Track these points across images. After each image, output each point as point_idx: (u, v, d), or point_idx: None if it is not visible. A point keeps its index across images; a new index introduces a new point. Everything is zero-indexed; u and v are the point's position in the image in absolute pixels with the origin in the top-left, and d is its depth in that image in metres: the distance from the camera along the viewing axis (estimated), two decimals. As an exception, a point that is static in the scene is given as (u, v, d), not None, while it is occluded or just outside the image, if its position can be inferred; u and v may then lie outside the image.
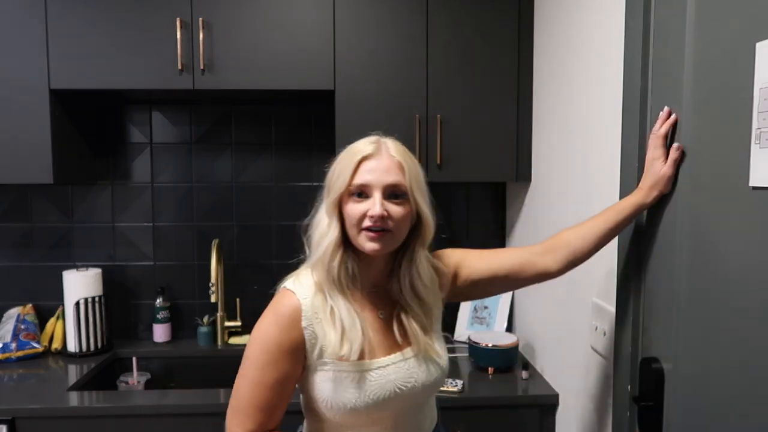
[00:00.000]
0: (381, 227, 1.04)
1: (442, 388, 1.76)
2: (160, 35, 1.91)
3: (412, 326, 1.11)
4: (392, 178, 1.06)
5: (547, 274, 1.25)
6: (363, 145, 1.10)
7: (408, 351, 1.12)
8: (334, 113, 1.97)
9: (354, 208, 1.06)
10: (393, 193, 1.06)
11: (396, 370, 1.10)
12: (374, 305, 1.14)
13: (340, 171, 1.09)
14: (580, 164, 1.63)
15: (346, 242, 1.09)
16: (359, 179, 1.06)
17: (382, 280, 1.15)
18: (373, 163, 1.07)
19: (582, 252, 1.24)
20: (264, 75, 1.94)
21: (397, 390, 1.08)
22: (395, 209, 1.05)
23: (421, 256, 1.12)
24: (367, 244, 1.05)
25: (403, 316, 1.12)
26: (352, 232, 1.07)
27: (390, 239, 1.06)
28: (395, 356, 1.11)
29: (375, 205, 1.04)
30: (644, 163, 1.23)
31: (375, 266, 1.13)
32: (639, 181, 1.24)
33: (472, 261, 1.25)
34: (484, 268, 1.24)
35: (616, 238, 1.34)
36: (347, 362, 1.06)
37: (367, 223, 1.04)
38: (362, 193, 1.06)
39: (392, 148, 1.11)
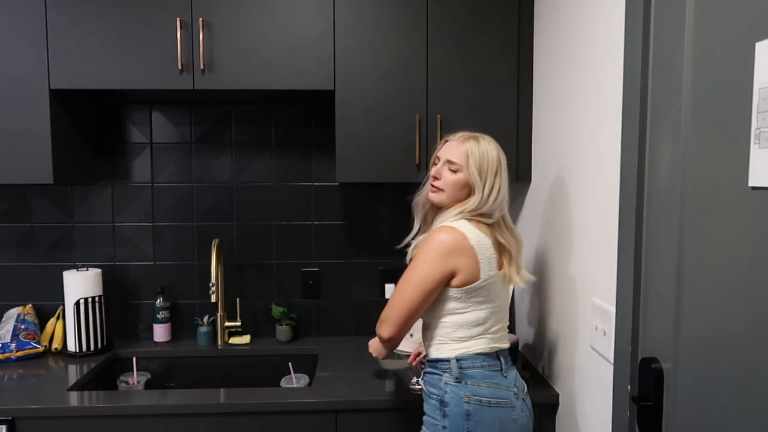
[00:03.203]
0: (436, 185, 1.55)
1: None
2: (160, 35, 1.91)
3: None
4: (452, 156, 1.52)
5: None
6: (454, 134, 1.59)
7: None
8: (334, 113, 1.98)
9: (432, 170, 1.58)
10: (451, 166, 1.52)
11: None
12: None
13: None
14: (579, 164, 1.63)
15: None
16: (437, 152, 1.59)
17: None
18: (448, 144, 1.57)
19: None
20: (264, 75, 1.94)
21: None
22: (447, 175, 1.53)
23: (445, 212, 1.53)
24: (429, 194, 1.58)
25: None
26: (429, 185, 1.59)
27: (440, 194, 1.54)
28: None
29: (436, 169, 1.56)
30: (644, 164, 1.23)
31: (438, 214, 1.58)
32: (639, 180, 1.24)
33: None
34: None
35: (616, 237, 1.34)
36: None
37: (431, 179, 1.57)
38: (438, 161, 1.57)
39: (470, 139, 1.54)
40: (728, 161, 0.96)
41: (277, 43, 1.94)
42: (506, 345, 1.54)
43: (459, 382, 1.45)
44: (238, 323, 2.28)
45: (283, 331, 2.28)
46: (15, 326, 2.12)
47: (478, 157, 1.50)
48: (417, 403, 1.74)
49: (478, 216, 1.49)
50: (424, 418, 1.53)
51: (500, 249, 1.51)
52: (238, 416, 1.71)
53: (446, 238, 1.45)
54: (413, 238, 1.63)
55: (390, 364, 2.06)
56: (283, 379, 2.07)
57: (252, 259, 2.34)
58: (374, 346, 1.71)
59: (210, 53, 1.92)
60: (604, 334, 1.43)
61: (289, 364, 2.06)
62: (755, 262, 0.90)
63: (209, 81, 1.93)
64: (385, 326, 1.48)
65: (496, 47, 1.99)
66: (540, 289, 1.95)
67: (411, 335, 2.22)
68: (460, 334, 1.48)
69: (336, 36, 1.95)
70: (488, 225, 1.50)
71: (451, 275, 1.45)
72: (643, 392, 1.20)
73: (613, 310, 1.37)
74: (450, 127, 1.98)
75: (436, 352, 1.51)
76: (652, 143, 1.21)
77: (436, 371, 1.50)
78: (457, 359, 1.47)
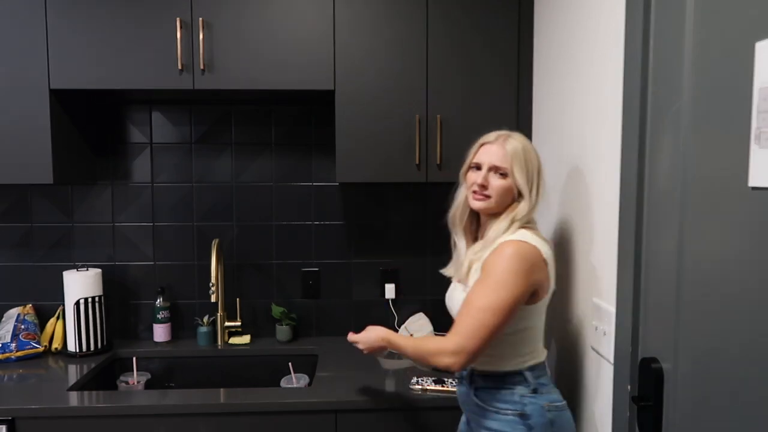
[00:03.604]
0: (484, 192, 1.46)
1: (441, 387, 1.77)
2: (160, 35, 1.91)
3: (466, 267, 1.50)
4: (498, 161, 1.45)
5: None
6: (488, 135, 1.51)
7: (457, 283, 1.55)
8: (334, 113, 1.98)
9: (470, 176, 1.50)
10: (498, 171, 1.45)
11: (451, 290, 1.57)
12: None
13: (469, 151, 1.53)
14: (579, 164, 1.63)
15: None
16: (476, 158, 1.49)
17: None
18: (487, 148, 1.49)
19: None
20: (264, 75, 1.94)
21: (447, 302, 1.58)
22: (495, 181, 1.45)
23: (496, 222, 1.46)
24: (472, 202, 1.49)
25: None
26: (468, 192, 1.50)
27: (487, 201, 1.46)
28: (453, 283, 1.57)
29: (479, 176, 1.46)
30: (644, 164, 1.23)
31: (485, 221, 1.52)
32: (639, 181, 1.24)
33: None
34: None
35: (616, 237, 1.34)
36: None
37: (474, 187, 1.47)
38: (478, 167, 1.48)
39: (510, 140, 1.47)
40: (728, 161, 0.96)
41: (276, 43, 1.94)
42: None
43: (536, 392, 1.42)
44: (238, 323, 2.28)
45: (283, 331, 2.28)
46: (15, 326, 2.12)
47: (523, 159, 1.44)
48: (417, 403, 1.74)
49: (527, 222, 1.45)
50: None
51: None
52: (238, 416, 1.71)
53: (523, 254, 1.37)
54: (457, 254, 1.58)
55: (390, 364, 2.06)
56: (283, 379, 2.07)
57: (252, 259, 2.34)
58: (369, 341, 1.55)
59: (210, 53, 1.92)
60: (604, 334, 1.43)
61: (289, 364, 2.06)
62: (755, 262, 0.90)
63: (209, 81, 1.93)
64: (463, 359, 1.34)
65: (496, 47, 1.99)
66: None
67: (411, 335, 2.23)
68: (528, 348, 1.45)
69: (336, 36, 1.95)
70: (539, 231, 1.47)
71: (533, 293, 1.40)
72: (643, 392, 1.20)
73: (613, 310, 1.37)
74: (450, 127, 1.98)
75: (504, 366, 1.44)
76: (652, 143, 1.21)
77: (505, 385, 1.44)
78: (530, 370, 1.44)
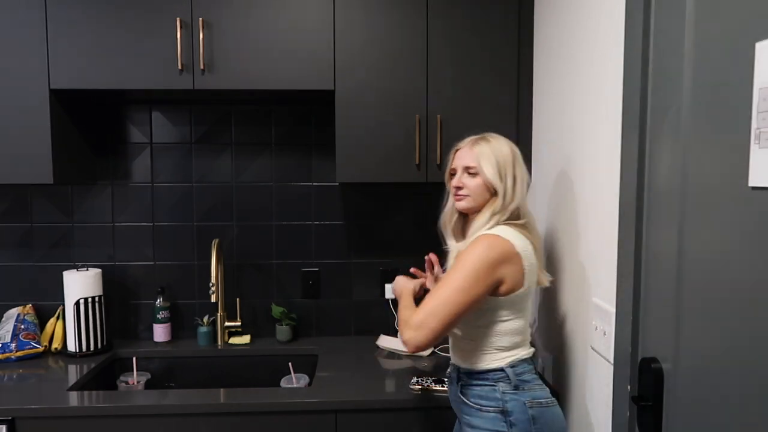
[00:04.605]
0: (461, 193, 1.55)
1: (441, 387, 1.77)
2: (160, 35, 1.91)
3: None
4: (467, 161, 1.54)
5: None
6: (461, 142, 1.60)
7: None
8: (334, 113, 1.98)
9: (451, 182, 1.60)
10: (469, 171, 1.53)
11: None
12: None
13: (448, 158, 1.63)
14: (579, 164, 1.63)
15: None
16: (452, 164, 1.60)
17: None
18: (459, 153, 1.59)
19: None
20: (264, 75, 1.94)
21: None
22: (468, 181, 1.53)
23: (477, 217, 1.53)
24: (456, 204, 1.58)
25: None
26: (452, 197, 1.60)
27: (466, 200, 1.54)
28: None
29: (456, 179, 1.56)
30: (644, 164, 1.23)
31: (471, 221, 1.57)
32: (639, 181, 1.24)
33: None
34: None
35: (616, 237, 1.34)
36: None
37: (453, 190, 1.58)
38: (455, 172, 1.58)
39: (479, 141, 1.55)
40: (728, 161, 0.96)
41: (277, 43, 1.94)
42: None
43: (517, 389, 1.44)
44: (238, 323, 2.28)
45: (283, 331, 2.28)
46: (15, 326, 2.12)
47: (491, 155, 1.51)
48: (417, 403, 1.74)
49: (511, 219, 1.49)
50: None
51: (537, 255, 1.50)
52: (238, 416, 1.71)
53: (492, 245, 1.42)
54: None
55: (390, 364, 2.06)
56: (283, 379, 2.07)
57: (252, 259, 2.34)
58: (395, 289, 1.64)
59: (210, 53, 1.92)
60: (604, 334, 1.43)
61: (289, 364, 2.06)
62: (755, 261, 0.90)
63: (209, 81, 1.93)
64: (423, 332, 1.38)
65: (496, 47, 1.99)
66: (540, 289, 1.94)
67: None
68: (506, 343, 1.47)
69: (336, 36, 1.95)
70: (525, 228, 1.49)
71: (497, 285, 1.42)
72: (643, 392, 1.20)
73: (613, 310, 1.37)
74: (450, 127, 1.98)
75: (484, 362, 1.47)
76: (652, 143, 1.21)
77: (487, 382, 1.46)
78: (512, 366, 1.46)
